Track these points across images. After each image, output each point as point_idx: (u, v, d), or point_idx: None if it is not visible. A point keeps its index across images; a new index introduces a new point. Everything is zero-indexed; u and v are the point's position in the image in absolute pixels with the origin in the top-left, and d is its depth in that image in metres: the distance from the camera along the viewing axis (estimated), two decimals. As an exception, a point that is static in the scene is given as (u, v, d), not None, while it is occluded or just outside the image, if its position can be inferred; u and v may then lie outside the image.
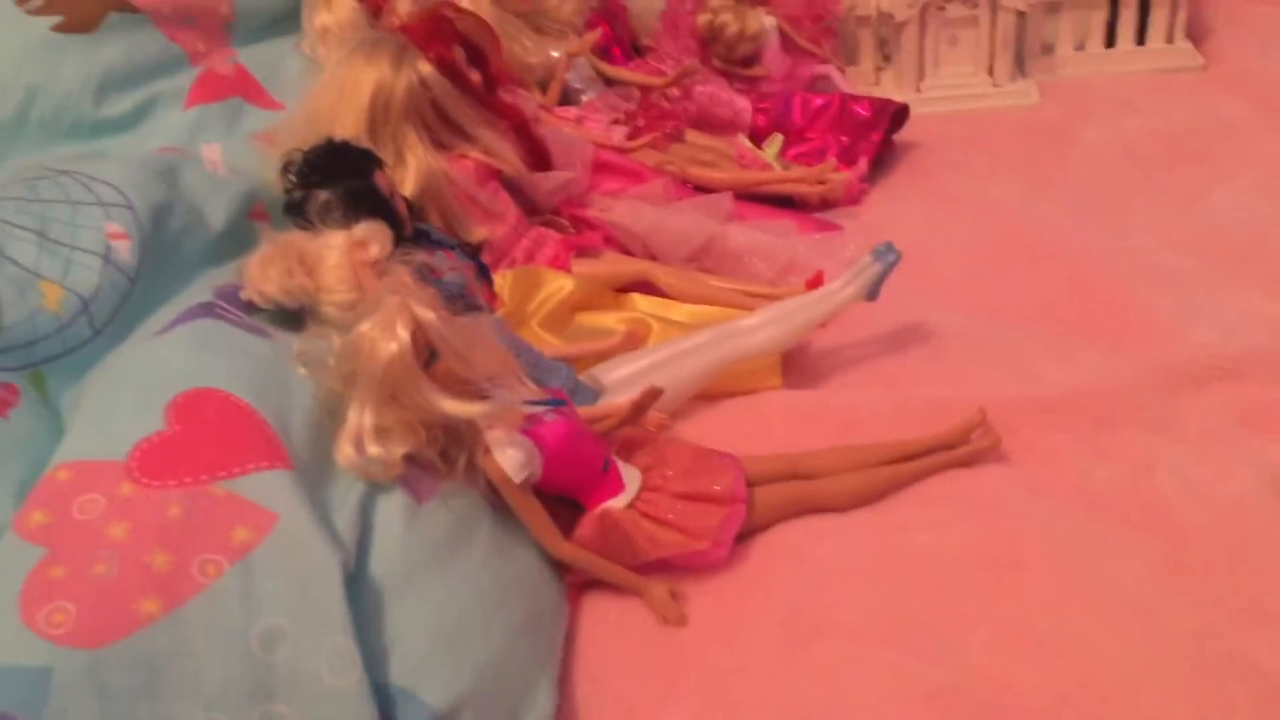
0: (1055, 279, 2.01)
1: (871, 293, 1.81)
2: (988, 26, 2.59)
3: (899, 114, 2.46)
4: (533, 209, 2.12)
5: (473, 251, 1.95)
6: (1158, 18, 2.64)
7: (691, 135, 2.45)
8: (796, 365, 1.89)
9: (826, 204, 2.34)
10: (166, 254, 1.72)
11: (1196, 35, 2.68)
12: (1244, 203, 2.15)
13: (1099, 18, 2.67)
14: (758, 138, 2.51)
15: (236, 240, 1.83)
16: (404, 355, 1.43)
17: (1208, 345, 1.77)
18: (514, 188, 2.09)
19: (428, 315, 1.46)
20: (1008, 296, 2.00)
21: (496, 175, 2.05)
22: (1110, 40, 2.69)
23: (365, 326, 1.46)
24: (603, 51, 2.56)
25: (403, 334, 1.44)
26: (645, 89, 2.47)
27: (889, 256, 1.79)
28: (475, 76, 2.07)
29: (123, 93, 2.02)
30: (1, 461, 1.40)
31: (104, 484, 1.32)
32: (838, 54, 2.74)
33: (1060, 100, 2.60)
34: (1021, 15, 2.59)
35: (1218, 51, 2.66)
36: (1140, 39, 2.68)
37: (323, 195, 1.72)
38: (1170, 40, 2.66)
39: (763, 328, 1.82)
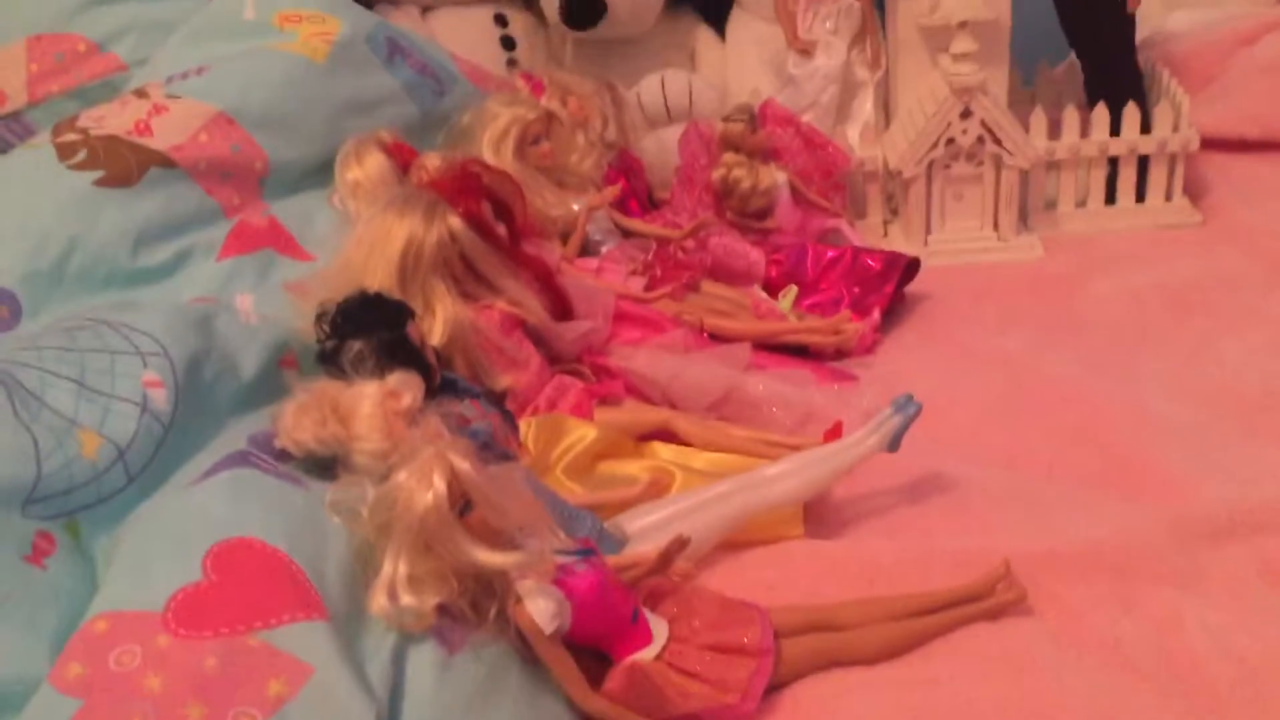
0: (1069, 430, 2.05)
1: (893, 444, 1.84)
2: (992, 183, 2.68)
3: (910, 267, 2.52)
4: (555, 357, 2.16)
5: (497, 399, 1.99)
6: (1156, 176, 2.74)
7: (707, 285, 2.51)
8: (818, 515, 1.90)
9: (841, 354, 2.39)
10: (200, 401, 1.75)
11: (1194, 192, 2.78)
12: (1252, 357, 2.20)
13: (1099, 176, 2.77)
14: (771, 288, 2.57)
15: (267, 388, 1.87)
16: (440, 505, 1.45)
17: (1225, 499, 1.79)
18: (537, 337, 2.13)
19: (463, 465, 1.48)
20: (1023, 447, 2.03)
21: (521, 325, 2.09)
22: (1111, 197, 2.78)
23: (401, 476, 1.48)
24: (620, 204, 2.64)
25: (439, 484, 1.46)
26: (662, 240, 2.54)
27: (909, 409, 1.82)
28: (501, 230, 2.14)
29: (159, 244, 2.07)
30: (38, 612, 1.40)
31: (141, 635, 1.33)
32: (847, 208, 2.82)
33: (1064, 255, 2.68)
34: (1024, 173, 2.68)
35: (1215, 208, 2.75)
36: (1140, 196, 2.76)
37: (356, 345, 1.76)
38: (1169, 198, 2.75)
39: (785, 478, 1.85)
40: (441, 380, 1.88)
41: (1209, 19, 3.04)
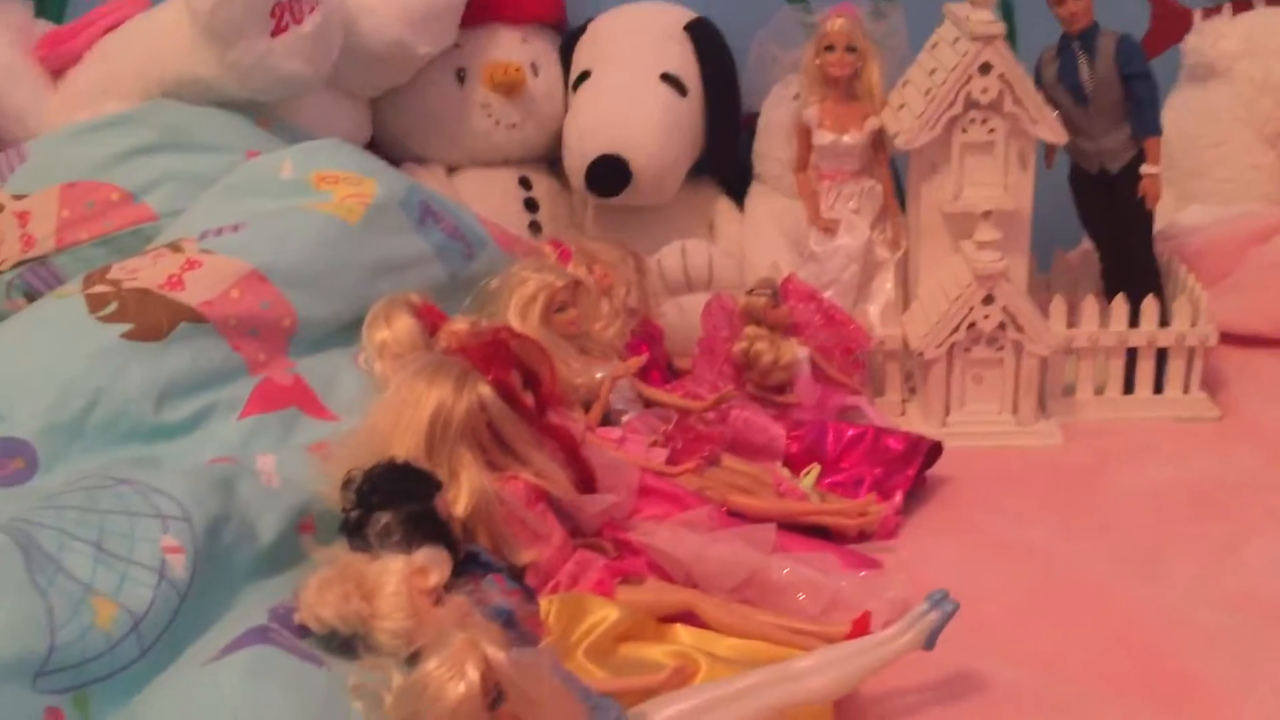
0: (1102, 632, 2.00)
1: (929, 642, 1.79)
2: (1012, 368, 2.69)
3: (933, 450, 2.51)
4: (576, 531, 2.12)
5: (519, 574, 1.93)
6: (1174, 368, 2.76)
7: (728, 460, 2.48)
8: (847, 712, 1.84)
9: (863, 536, 2.35)
10: (217, 568, 1.71)
11: (1211, 386, 2.79)
12: (1276, 560, 2.17)
13: (1117, 365, 2.78)
14: (791, 464, 2.55)
15: (284, 553, 1.82)
16: (472, 697, 1.40)
17: (1268, 717, 1.74)
18: (559, 509, 2.09)
19: (497, 655, 1.43)
20: (1057, 648, 1.98)
21: (545, 497, 2.06)
22: (1129, 387, 2.79)
23: (431, 665, 1.43)
24: (642, 373, 2.63)
25: (471, 674, 1.40)
26: (684, 412, 2.52)
27: (947, 606, 1.78)
28: (529, 399, 2.12)
29: (183, 400, 2.05)
30: (46, 799, 1.33)
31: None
32: (867, 385, 2.82)
33: (1083, 442, 2.67)
34: (1044, 359, 2.70)
35: (1233, 403, 2.76)
36: (1158, 388, 2.77)
37: (384, 518, 1.72)
38: (1186, 390, 2.76)
39: (816, 673, 1.78)
40: (465, 554, 1.83)
41: (1221, 215, 3.11)
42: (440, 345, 2.26)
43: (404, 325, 2.27)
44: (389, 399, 2.00)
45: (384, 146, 3.18)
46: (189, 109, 2.61)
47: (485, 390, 2.00)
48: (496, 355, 2.10)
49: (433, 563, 1.66)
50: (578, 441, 2.18)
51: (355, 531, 1.75)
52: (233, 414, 2.09)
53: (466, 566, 1.81)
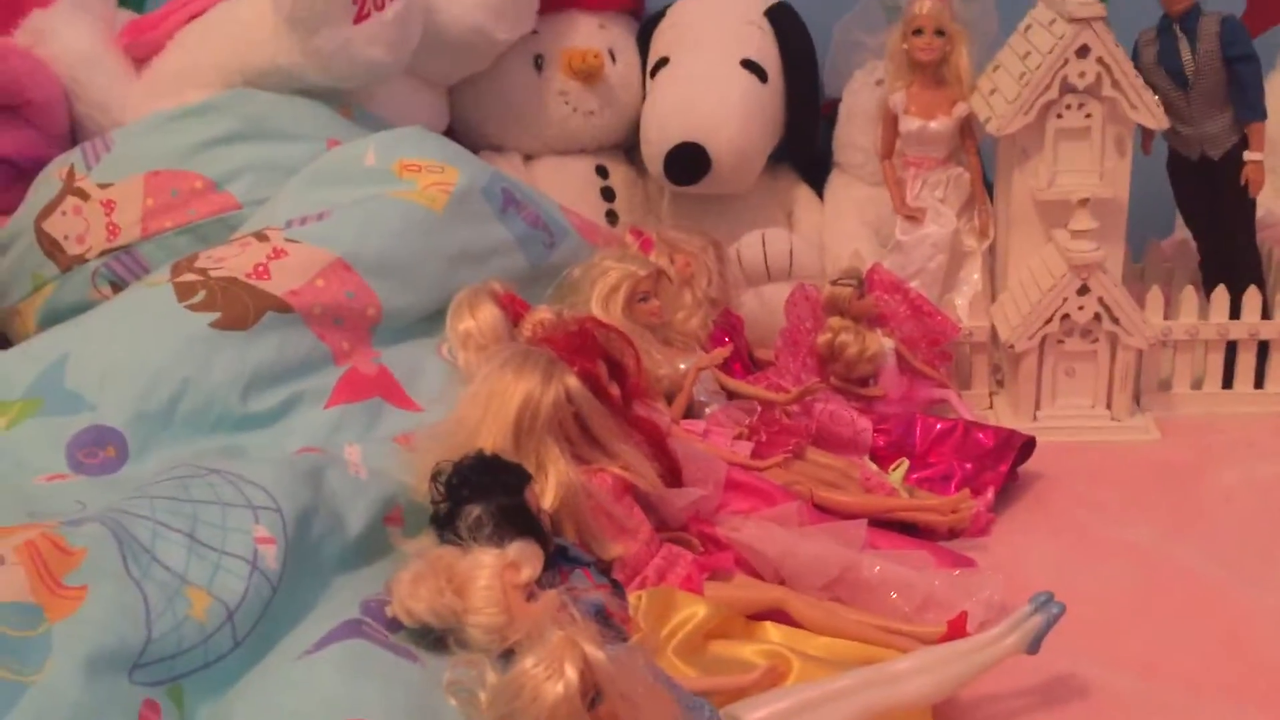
0: (1211, 636, 1.93)
1: (1033, 646, 1.73)
2: (1106, 361, 2.61)
3: (1026, 446, 2.44)
4: (661, 524, 2.08)
5: (606, 568, 1.90)
6: (1276, 362, 2.66)
7: (812, 453, 2.43)
8: (946, 716, 1.78)
9: (954, 534, 2.29)
10: (307, 559, 1.69)
11: (1314, 380, 2.69)
12: (1395, 562, 2.09)
13: (1216, 359, 2.69)
14: (878, 458, 2.49)
15: (371, 545, 1.81)
16: (571, 697, 1.36)
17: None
18: (645, 503, 2.05)
19: (597, 654, 1.40)
20: (1161, 652, 1.91)
21: (631, 490, 2.02)
22: (1228, 381, 2.70)
23: (529, 663, 1.39)
24: (724, 364, 2.58)
25: (570, 674, 1.37)
26: (767, 404, 2.48)
27: (1052, 609, 1.72)
28: (615, 390, 2.08)
29: (269, 389, 2.04)
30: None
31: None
32: (953, 377, 2.76)
33: (1181, 438, 2.59)
34: (1140, 352, 2.61)
35: (1338, 397, 2.66)
36: (1259, 382, 2.68)
37: (475, 511, 1.69)
38: (1288, 384, 2.67)
39: (916, 675, 1.73)
40: (554, 548, 1.81)
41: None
42: (524, 335, 2.24)
43: (488, 315, 2.24)
44: (476, 390, 1.97)
45: (461, 134, 3.16)
46: (270, 97, 2.59)
47: (572, 381, 1.96)
48: (582, 346, 2.07)
49: (525, 557, 1.63)
50: (664, 434, 2.14)
51: (445, 524, 1.73)
52: (319, 404, 2.07)
53: (555, 560, 1.78)
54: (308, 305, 2.11)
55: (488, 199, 2.41)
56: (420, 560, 1.63)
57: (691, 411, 2.47)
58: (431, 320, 2.30)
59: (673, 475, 2.10)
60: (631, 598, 1.88)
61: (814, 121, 3.23)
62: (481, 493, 1.72)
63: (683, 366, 2.44)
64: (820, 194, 3.25)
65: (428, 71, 2.94)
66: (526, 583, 1.62)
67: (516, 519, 1.71)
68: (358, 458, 1.93)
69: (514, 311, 2.30)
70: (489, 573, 1.60)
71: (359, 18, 2.48)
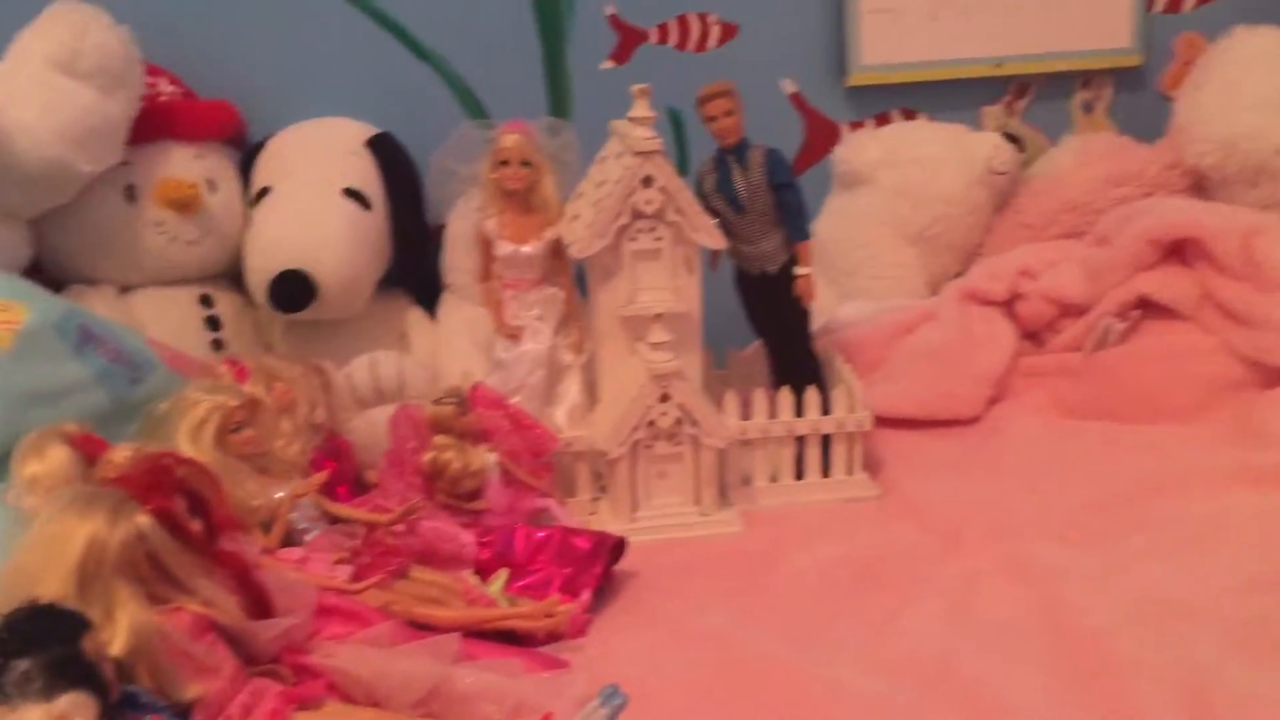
0: (772, 709, 2.10)
1: (602, 737, 1.84)
2: (692, 461, 2.83)
3: (618, 547, 2.59)
4: (251, 658, 2.05)
5: (185, 711, 1.86)
6: (838, 453, 2.96)
7: (417, 571, 2.47)
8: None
9: (554, 637, 2.38)
10: None
11: (871, 467, 3.02)
12: (928, 626, 2.35)
13: (788, 454, 2.97)
14: (483, 571, 2.56)
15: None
16: None
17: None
18: (232, 637, 2.02)
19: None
20: (729, 729, 2.07)
21: (213, 626, 1.98)
22: (800, 473, 2.98)
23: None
24: (328, 489, 2.60)
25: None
26: (371, 526, 2.50)
27: (615, 700, 1.84)
28: (196, 526, 2.05)
29: None
30: None
31: None
32: (556, 487, 2.89)
33: (761, 528, 2.83)
34: (720, 451, 2.84)
35: (891, 481, 2.99)
36: (825, 471, 2.97)
37: (22, 665, 1.61)
38: (850, 472, 2.97)
39: (494, 780, 1.79)
40: (121, 695, 1.74)
41: (872, 310, 3.40)
42: (98, 476, 2.17)
43: (57, 457, 2.16)
44: (36, 535, 1.89)
45: (50, 268, 3.05)
46: None
47: (144, 520, 1.92)
48: (157, 483, 2.02)
49: (76, 709, 1.58)
50: (248, 565, 2.12)
51: (-7, 682, 1.64)
52: None
53: (121, 708, 1.72)
54: None
55: (61, 336, 2.34)
56: (-45, 726, 1.54)
57: (293, 539, 2.46)
58: (2, 464, 2.19)
59: (260, 607, 2.08)
60: (213, 738, 1.84)
61: (421, 246, 3.35)
62: (32, 645, 1.64)
63: (278, 495, 2.43)
64: (434, 316, 3.35)
65: (4, 204, 2.82)
66: (77, 736, 1.56)
67: (70, 670, 1.64)
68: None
69: (90, 452, 2.22)
70: (33, 730, 1.53)
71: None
